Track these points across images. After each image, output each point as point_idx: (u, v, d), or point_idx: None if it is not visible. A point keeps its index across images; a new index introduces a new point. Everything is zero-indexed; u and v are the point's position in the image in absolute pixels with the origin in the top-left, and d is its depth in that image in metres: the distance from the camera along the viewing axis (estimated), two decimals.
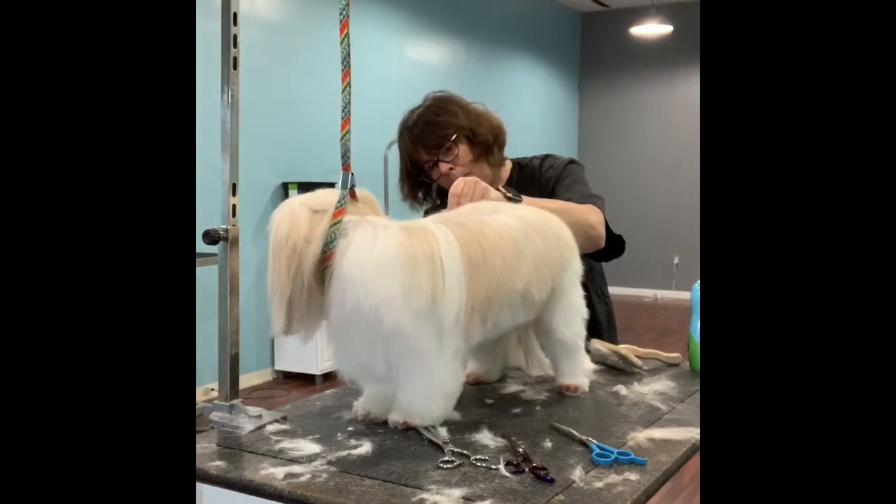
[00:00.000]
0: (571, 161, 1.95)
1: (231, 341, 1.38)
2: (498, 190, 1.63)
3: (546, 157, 1.97)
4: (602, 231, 1.75)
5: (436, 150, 1.83)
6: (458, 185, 1.59)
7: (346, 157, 1.31)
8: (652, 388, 1.53)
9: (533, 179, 1.93)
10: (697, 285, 1.63)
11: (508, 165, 1.97)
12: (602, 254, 1.82)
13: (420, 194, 1.93)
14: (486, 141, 1.86)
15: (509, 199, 1.62)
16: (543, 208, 1.60)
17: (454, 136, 1.82)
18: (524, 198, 1.66)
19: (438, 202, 1.94)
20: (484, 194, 1.58)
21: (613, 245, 1.83)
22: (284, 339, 1.29)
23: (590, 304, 1.55)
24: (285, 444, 1.23)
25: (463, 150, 1.84)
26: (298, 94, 5.43)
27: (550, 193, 1.88)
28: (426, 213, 1.94)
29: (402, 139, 1.87)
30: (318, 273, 1.22)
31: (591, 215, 1.74)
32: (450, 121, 1.82)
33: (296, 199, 1.27)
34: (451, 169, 1.83)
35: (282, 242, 1.21)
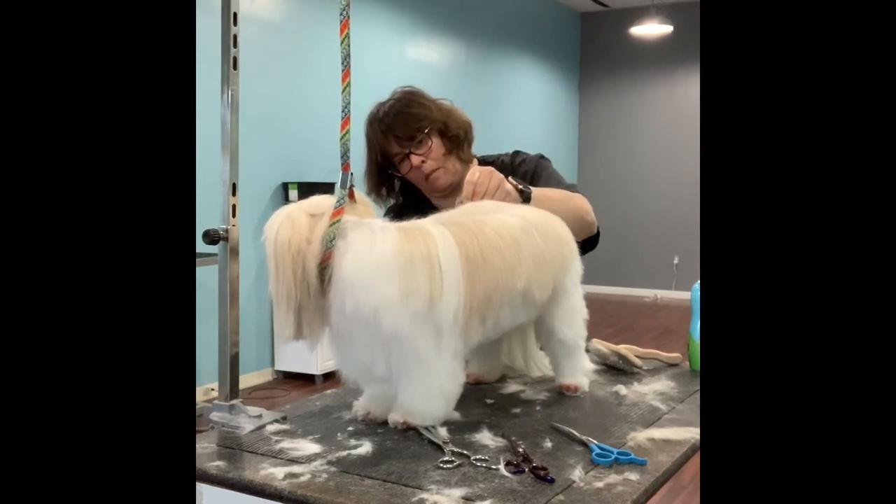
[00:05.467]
0: (541, 156, 1.94)
1: (231, 341, 1.38)
2: (509, 181, 1.61)
3: (516, 153, 1.94)
4: (594, 218, 1.77)
5: (408, 143, 1.80)
6: (474, 174, 1.57)
7: (345, 156, 1.31)
8: (652, 388, 1.53)
9: (505, 175, 1.92)
10: (697, 285, 1.63)
11: (475, 163, 1.94)
12: (586, 244, 1.81)
13: (384, 189, 1.89)
14: (457, 135, 1.84)
15: (520, 191, 1.61)
16: (548, 197, 1.62)
17: (427, 129, 1.80)
18: (532, 189, 1.65)
19: (401, 200, 1.92)
20: (500, 185, 1.57)
21: (594, 236, 1.84)
22: (286, 341, 1.29)
23: None
24: (285, 444, 1.23)
25: (436, 144, 1.81)
26: (298, 94, 5.43)
27: None
28: (388, 212, 1.91)
29: (373, 130, 1.82)
30: (319, 273, 1.22)
31: (584, 203, 1.76)
32: (423, 113, 1.80)
33: (291, 206, 1.27)
34: (422, 162, 1.80)
35: (285, 247, 1.21)
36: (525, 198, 1.60)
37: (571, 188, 1.82)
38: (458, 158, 1.85)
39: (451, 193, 1.87)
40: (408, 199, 1.90)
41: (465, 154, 1.88)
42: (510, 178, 1.62)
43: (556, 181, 1.85)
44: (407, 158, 1.80)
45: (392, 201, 1.93)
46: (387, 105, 1.82)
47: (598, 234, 1.85)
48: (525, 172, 1.88)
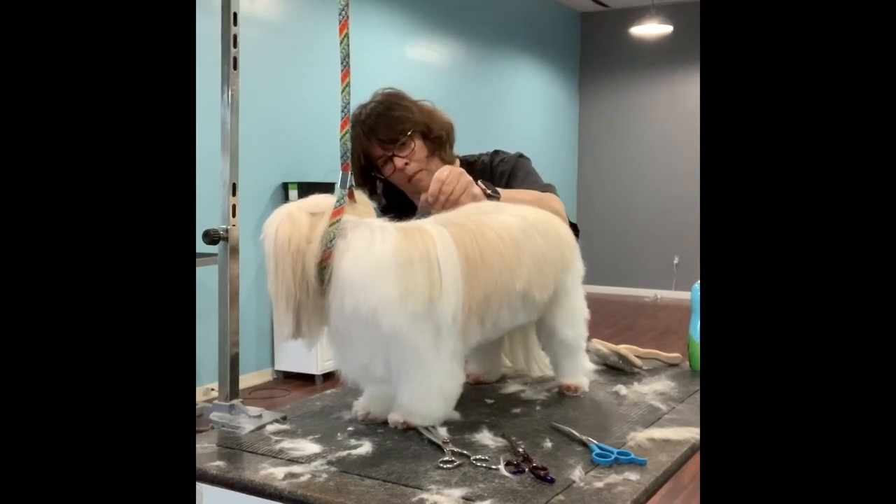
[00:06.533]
0: (520, 155, 1.93)
1: (231, 341, 1.38)
2: (478, 184, 1.60)
3: (496, 152, 1.94)
4: (566, 217, 1.77)
5: (391, 145, 1.79)
6: (443, 172, 1.56)
7: (345, 156, 1.31)
8: (652, 388, 1.54)
9: (485, 175, 1.91)
10: (697, 285, 1.63)
11: (457, 164, 1.93)
12: None
13: (366, 192, 1.87)
14: (440, 137, 1.83)
15: (488, 196, 1.60)
16: (518, 200, 1.61)
17: (410, 131, 1.79)
18: (501, 191, 1.64)
19: (385, 202, 1.91)
20: (467, 187, 1.56)
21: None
22: (284, 339, 1.29)
23: None
24: (285, 444, 1.23)
25: (418, 146, 1.80)
26: (298, 94, 5.43)
27: (505, 186, 1.86)
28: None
29: (354, 133, 1.79)
30: (319, 273, 1.23)
31: (556, 203, 1.75)
32: (405, 115, 1.79)
33: (291, 205, 1.27)
34: (406, 164, 1.79)
35: (284, 246, 1.21)
36: (493, 200, 1.59)
37: (546, 188, 1.82)
38: (441, 159, 1.85)
39: None
40: (391, 200, 1.90)
41: (448, 155, 1.87)
42: (479, 182, 1.61)
43: (532, 180, 1.85)
44: (390, 161, 1.79)
45: (374, 204, 1.92)
46: (368, 107, 1.81)
47: (577, 233, 1.85)
48: (503, 172, 1.88)
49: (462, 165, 1.93)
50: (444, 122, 1.86)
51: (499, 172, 1.88)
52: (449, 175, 1.56)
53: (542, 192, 1.79)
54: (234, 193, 1.39)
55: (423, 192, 1.84)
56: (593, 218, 9.21)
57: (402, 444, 1.22)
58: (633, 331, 7.03)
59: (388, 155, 1.80)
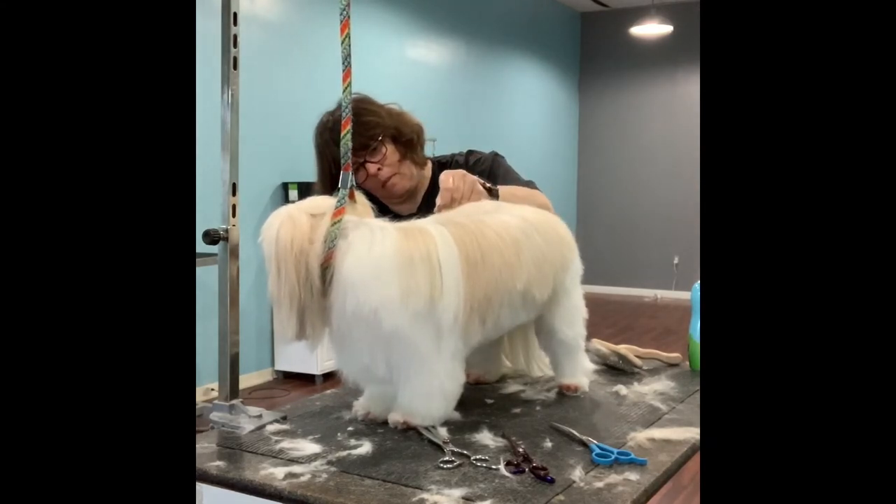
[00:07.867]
0: (496, 154, 1.92)
1: (231, 341, 1.38)
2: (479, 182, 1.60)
3: (470, 152, 1.92)
4: (554, 212, 1.77)
5: (362, 152, 1.76)
6: (449, 180, 1.55)
7: (346, 156, 1.31)
8: (652, 388, 1.54)
9: None
10: (697, 285, 1.63)
11: (429, 165, 1.92)
12: None
13: None
14: (410, 140, 1.82)
15: (489, 190, 1.60)
16: (514, 195, 1.62)
17: (380, 136, 1.77)
18: (499, 188, 1.65)
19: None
20: (473, 187, 1.56)
21: None
22: (288, 341, 1.29)
23: None
24: (285, 444, 1.23)
25: (389, 150, 1.79)
26: (298, 94, 5.42)
27: None
28: None
29: (323, 140, 1.77)
30: (321, 273, 1.22)
31: (545, 199, 1.75)
32: (374, 120, 1.77)
33: (290, 207, 1.27)
34: (378, 170, 1.78)
35: (287, 247, 1.21)
36: (494, 197, 1.60)
37: (528, 184, 1.82)
38: (413, 162, 1.84)
39: (410, 198, 1.86)
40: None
41: (419, 157, 1.86)
42: (478, 180, 1.60)
43: (513, 178, 1.84)
44: (362, 167, 1.77)
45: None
46: (336, 114, 1.77)
47: None
48: (482, 171, 1.86)
49: (434, 166, 1.92)
50: (413, 124, 1.84)
51: (476, 172, 1.86)
52: (454, 180, 1.55)
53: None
54: (234, 193, 1.39)
55: (396, 197, 1.84)
56: (593, 218, 9.20)
57: (402, 444, 1.23)
58: (633, 331, 7.02)
59: (360, 161, 1.77)
